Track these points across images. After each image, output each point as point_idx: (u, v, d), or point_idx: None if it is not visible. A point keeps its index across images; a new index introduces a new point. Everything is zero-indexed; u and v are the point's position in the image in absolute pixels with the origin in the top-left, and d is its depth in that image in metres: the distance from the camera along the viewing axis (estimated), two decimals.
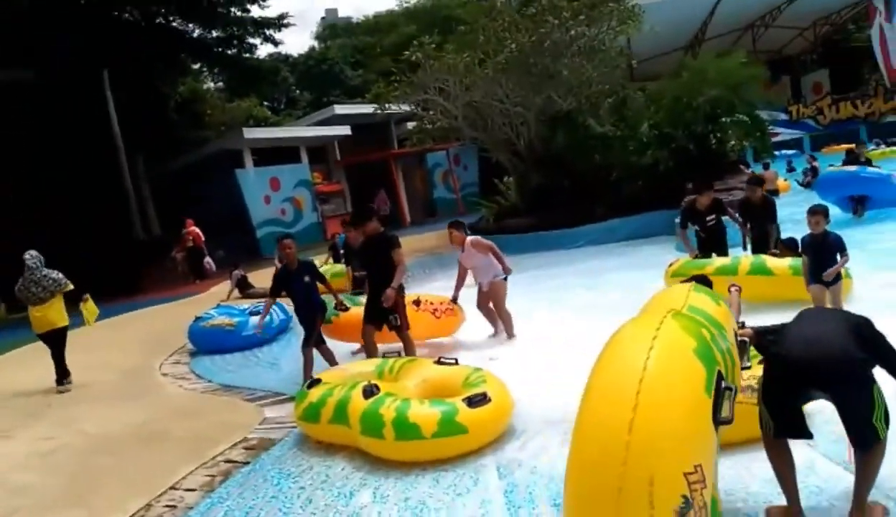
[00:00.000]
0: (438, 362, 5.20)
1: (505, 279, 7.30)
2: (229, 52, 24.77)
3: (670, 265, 7.84)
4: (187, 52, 25.08)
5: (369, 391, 4.69)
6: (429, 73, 13.95)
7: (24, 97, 17.99)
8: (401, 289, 6.43)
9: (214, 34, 24.44)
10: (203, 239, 20.10)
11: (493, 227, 15.49)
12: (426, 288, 9.61)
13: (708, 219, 7.80)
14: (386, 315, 6.37)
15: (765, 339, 3.08)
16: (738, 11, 24.80)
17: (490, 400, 4.44)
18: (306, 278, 6.69)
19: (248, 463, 4.92)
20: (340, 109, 29.29)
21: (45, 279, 7.92)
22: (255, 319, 9.23)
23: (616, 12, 13.35)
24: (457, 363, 5.15)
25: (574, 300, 8.97)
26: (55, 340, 8.07)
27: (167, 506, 4.41)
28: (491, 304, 7.43)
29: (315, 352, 6.73)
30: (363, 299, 7.42)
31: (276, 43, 25.65)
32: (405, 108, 17.88)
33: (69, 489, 4.93)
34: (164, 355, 9.58)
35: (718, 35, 26.08)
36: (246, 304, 10.94)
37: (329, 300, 7.13)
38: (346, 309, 7.38)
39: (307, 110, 45.03)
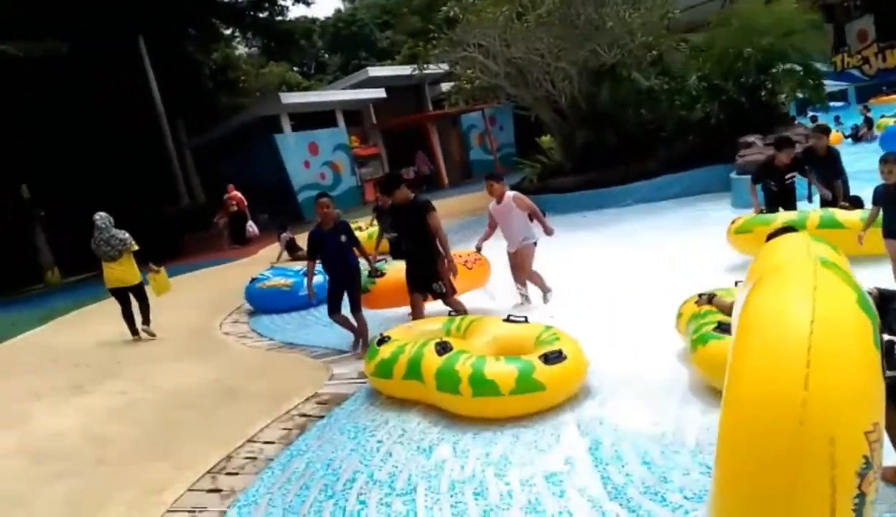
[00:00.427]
0: (507, 320, 5.18)
1: (535, 243, 6.97)
2: (261, 14, 24.58)
3: (733, 222, 7.59)
4: (220, 16, 24.96)
5: (442, 348, 4.70)
6: (467, 29, 13.66)
7: (61, 69, 18.20)
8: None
9: None
10: (246, 203, 20.28)
11: (537, 187, 15.29)
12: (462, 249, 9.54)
13: (787, 176, 7.60)
14: (430, 283, 6.29)
15: (891, 305, 2.84)
16: None
17: (566, 357, 4.42)
18: (342, 238, 6.43)
19: (322, 417, 5.02)
20: (374, 72, 29.09)
21: (113, 239, 8.38)
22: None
23: None
24: (526, 321, 5.13)
25: (628, 258, 8.83)
26: (124, 297, 8.53)
27: (247, 457, 4.54)
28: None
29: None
30: (397, 263, 7.32)
31: (307, 3, 25.40)
32: (443, 67, 17.65)
33: (150, 441, 5.10)
34: (223, 315, 9.80)
35: None
36: (299, 266, 11.04)
37: (363, 268, 6.93)
38: (382, 275, 7.13)
39: (337, 74, 44.79)
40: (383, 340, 5.28)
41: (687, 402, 4.19)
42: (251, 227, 19.94)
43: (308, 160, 25.79)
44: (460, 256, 7.44)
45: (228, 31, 28.70)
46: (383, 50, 43.26)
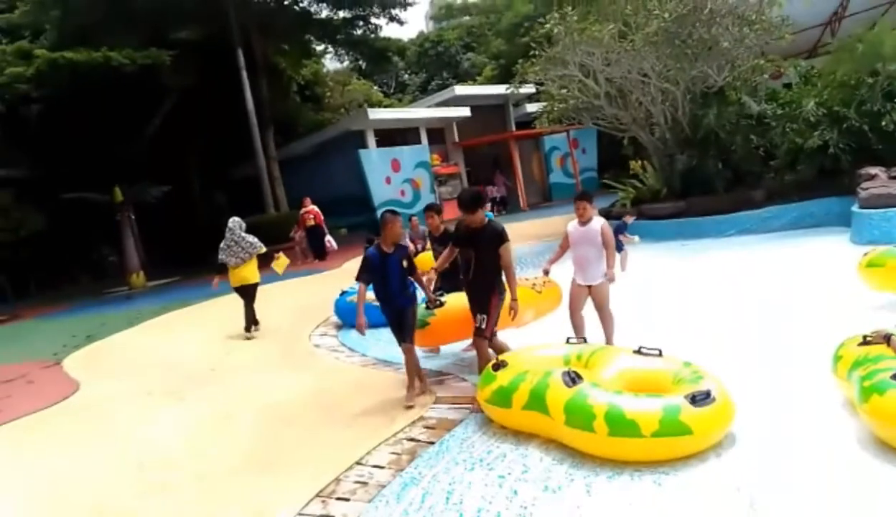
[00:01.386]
0: (638, 352, 4.72)
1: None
2: (356, 32, 24.99)
3: (866, 254, 6.88)
4: (314, 32, 25.52)
5: (572, 379, 4.29)
6: (569, 47, 13.28)
7: (166, 75, 18.91)
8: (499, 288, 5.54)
9: (341, 14, 24.72)
10: (322, 217, 20.24)
11: (631, 213, 14.67)
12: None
13: None
14: (475, 312, 5.57)
15: None
16: None
17: (714, 399, 3.94)
18: (404, 262, 5.70)
19: (432, 443, 4.68)
20: (461, 90, 29.05)
21: (244, 241, 9.35)
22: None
23: None
24: (660, 354, 4.65)
25: (740, 292, 8.15)
26: (246, 293, 9.58)
27: (357, 481, 4.25)
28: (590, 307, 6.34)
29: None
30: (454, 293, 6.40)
31: (401, 22, 25.67)
32: (529, 88, 17.25)
33: (251, 457, 4.88)
34: (310, 327, 9.65)
35: (862, 10, 23.61)
36: None
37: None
38: (441, 305, 6.20)
39: (416, 94, 45.25)
40: (499, 366, 4.90)
41: (858, 462, 3.63)
42: (329, 241, 19.96)
43: (389, 176, 25.90)
44: (527, 280, 7.12)
45: (321, 48, 29.27)
46: (464, 71, 43.42)
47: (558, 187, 31.84)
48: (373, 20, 24.85)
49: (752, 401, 4.46)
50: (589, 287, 6.18)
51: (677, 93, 13.54)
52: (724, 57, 12.62)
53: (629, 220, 11.05)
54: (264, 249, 9.60)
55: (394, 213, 5.72)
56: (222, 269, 9.49)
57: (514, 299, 5.42)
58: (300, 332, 9.34)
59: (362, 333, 5.75)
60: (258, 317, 9.66)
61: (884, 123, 11.35)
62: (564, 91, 15.52)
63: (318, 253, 19.50)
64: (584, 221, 6.16)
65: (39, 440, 5.67)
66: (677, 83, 13.43)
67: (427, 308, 6.17)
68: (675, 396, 4.01)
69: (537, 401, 4.37)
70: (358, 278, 5.62)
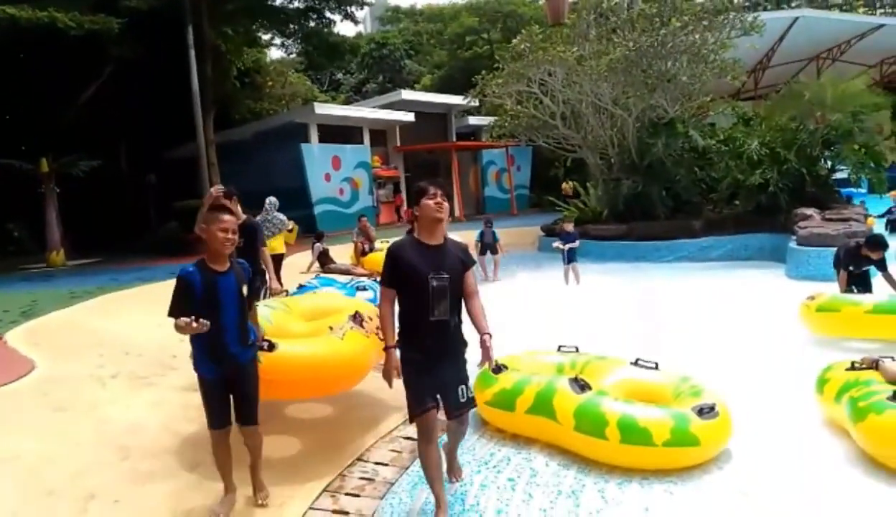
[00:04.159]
0: (636, 364, 4.88)
1: None
2: (311, 24, 24.55)
3: (812, 297, 7.17)
4: (266, 19, 24.89)
5: (581, 386, 4.39)
6: (533, 64, 13.59)
7: (110, 44, 17.96)
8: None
9: (295, 4, 24.25)
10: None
11: (569, 220, 15.11)
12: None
13: (865, 268, 7.49)
14: (457, 384, 3.61)
15: None
16: (808, 42, 24.21)
17: (718, 412, 4.13)
18: (243, 289, 3.87)
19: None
20: (407, 95, 29.14)
21: (275, 218, 10.62)
22: (362, 294, 9.06)
23: (739, 21, 12.92)
24: (657, 367, 4.83)
25: (684, 317, 8.50)
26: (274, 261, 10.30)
27: (362, 478, 4.19)
28: None
29: None
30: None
31: (355, 21, 25.43)
32: (479, 100, 17.58)
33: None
34: None
35: (784, 63, 25.50)
36: (345, 279, 10.70)
37: None
38: (271, 349, 4.22)
39: (350, 94, 44.97)
40: (500, 369, 4.93)
41: (849, 477, 3.91)
42: None
43: (329, 173, 25.60)
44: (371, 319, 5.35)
45: (267, 36, 28.57)
46: (401, 77, 43.51)
47: (492, 201, 32.39)
48: (327, 14, 24.46)
49: (739, 418, 4.71)
50: None
51: (629, 120, 14.09)
52: (680, 91, 13.25)
53: (568, 227, 11.42)
54: (291, 225, 11.38)
55: (220, 207, 3.64)
56: None
57: (488, 346, 3.48)
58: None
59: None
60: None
61: (818, 168, 12.23)
62: (519, 107, 15.84)
63: None
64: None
65: (6, 421, 5.27)
66: (629, 111, 13.98)
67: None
68: (682, 408, 4.17)
69: (543, 406, 4.42)
70: (170, 313, 3.39)
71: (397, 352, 3.42)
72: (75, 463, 4.42)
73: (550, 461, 4.30)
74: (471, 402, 3.64)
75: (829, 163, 12.77)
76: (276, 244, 10.92)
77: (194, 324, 3.24)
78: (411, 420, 3.49)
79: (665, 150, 13.64)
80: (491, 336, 3.48)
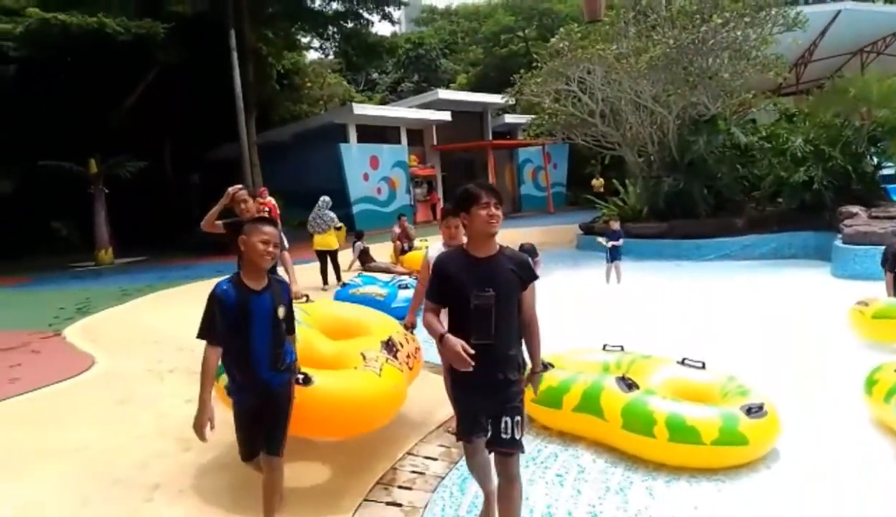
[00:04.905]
0: (682, 363, 4.91)
1: None
2: (349, 25, 24.87)
3: (864, 303, 6.70)
4: (305, 22, 25.30)
5: (628, 385, 4.45)
6: (572, 63, 13.59)
7: (156, 48, 18.48)
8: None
9: (334, 6, 24.59)
10: (279, 212, 19.16)
11: (615, 219, 15.05)
12: None
13: None
14: (506, 413, 3.06)
15: None
16: (851, 35, 23.58)
17: (766, 412, 4.15)
18: (280, 311, 3.54)
19: None
20: (444, 94, 29.30)
21: (326, 215, 12.04)
22: (403, 293, 9.24)
23: (781, 17, 12.73)
24: (703, 366, 4.85)
25: (722, 317, 8.45)
26: (324, 258, 12.18)
27: (413, 472, 4.30)
28: None
29: None
30: None
31: (393, 21, 25.69)
32: (516, 98, 17.62)
33: (299, 441, 4.84)
34: None
35: (826, 57, 24.90)
36: (387, 277, 10.90)
37: None
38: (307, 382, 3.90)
39: (385, 94, 45.29)
40: (546, 367, 5.00)
41: None
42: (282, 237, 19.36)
43: (367, 173, 25.91)
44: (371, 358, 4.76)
45: (306, 39, 29.02)
46: (436, 76, 43.69)
47: (528, 199, 32.34)
48: (365, 15, 24.75)
49: (787, 418, 4.71)
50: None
51: (669, 117, 13.98)
52: (721, 87, 13.11)
53: (614, 225, 11.37)
54: (341, 225, 12.59)
55: (261, 219, 3.54)
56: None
57: (536, 373, 3.26)
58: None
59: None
60: (339, 276, 12.02)
61: (864, 166, 11.99)
62: (557, 105, 15.84)
63: None
64: (454, 243, 4.22)
65: (73, 412, 5.54)
66: (670, 108, 13.88)
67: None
68: (731, 407, 4.20)
69: (591, 404, 4.49)
70: (200, 335, 3.23)
71: (451, 337, 2.90)
72: (139, 453, 4.63)
73: (598, 458, 4.37)
74: (515, 444, 3.01)
75: (876, 159, 12.52)
76: (329, 240, 12.15)
77: (205, 430, 3.23)
78: (460, 440, 3.20)
79: (706, 148, 13.50)
80: (541, 375, 3.24)
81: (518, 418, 3.02)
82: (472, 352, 2.82)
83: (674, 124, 14.14)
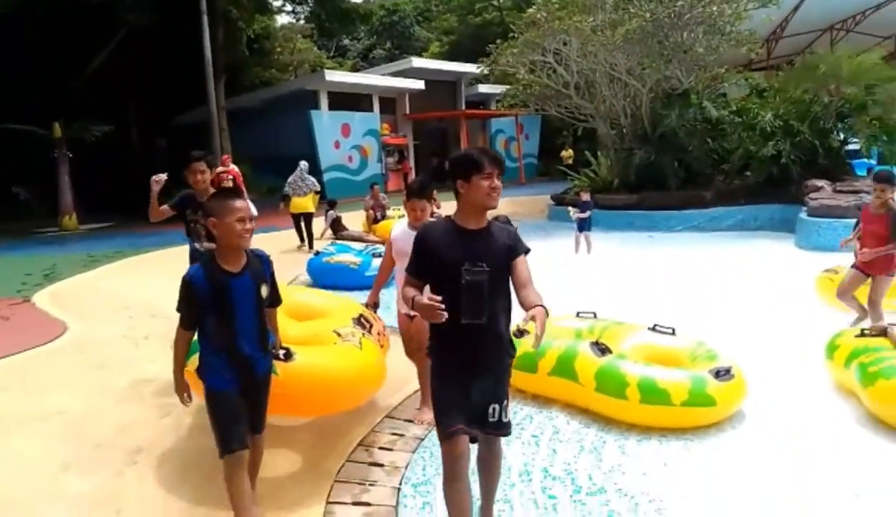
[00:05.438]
0: (653, 329, 5.07)
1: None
2: None
3: (833, 271, 6.94)
4: None
5: (601, 350, 4.59)
6: (549, 34, 13.57)
7: (124, 10, 17.96)
8: None
9: None
10: (242, 179, 18.31)
11: (586, 191, 15.21)
12: None
13: None
14: (494, 400, 2.93)
15: None
16: (822, 12, 23.80)
17: (734, 375, 4.32)
18: (263, 290, 3.30)
19: None
20: (418, 63, 28.99)
21: (307, 179, 12.62)
22: (377, 261, 9.27)
23: None
24: (674, 332, 5.01)
25: (691, 286, 8.66)
26: (300, 219, 12.70)
27: (393, 433, 4.38)
28: None
29: None
30: None
31: None
32: (489, 69, 17.58)
33: None
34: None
35: (798, 33, 25.16)
36: (360, 245, 10.90)
37: None
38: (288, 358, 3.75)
39: (357, 61, 44.66)
40: (522, 333, 5.11)
41: (859, 437, 4.11)
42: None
43: (339, 140, 25.63)
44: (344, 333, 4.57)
45: (278, 3, 28.39)
46: (409, 44, 43.16)
47: None
48: None
49: (753, 381, 4.91)
50: (411, 318, 4.32)
51: (643, 90, 14.10)
52: (695, 62, 13.24)
53: (584, 196, 11.54)
54: (318, 188, 12.99)
55: (227, 192, 3.29)
56: (286, 199, 12.90)
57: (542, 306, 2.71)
58: None
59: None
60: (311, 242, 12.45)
61: (830, 140, 12.28)
62: (532, 76, 15.84)
63: None
64: (419, 225, 3.86)
65: (49, 378, 5.52)
66: (644, 81, 13.99)
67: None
68: (699, 371, 4.36)
69: (565, 368, 4.62)
70: (182, 323, 3.10)
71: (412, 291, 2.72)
72: (119, 418, 4.65)
73: (571, 419, 4.51)
74: (502, 426, 2.91)
75: (842, 135, 12.83)
76: (307, 203, 12.53)
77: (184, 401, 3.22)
78: (440, 440, 2.87)
79: (678, 121, 13.68)
80: (545, 309, 2.67)
81: (505, 402, 2.90)
82: (443, 305, 2.52)
83: (647, 97, 14.27)
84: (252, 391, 3.15)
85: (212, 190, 4.75)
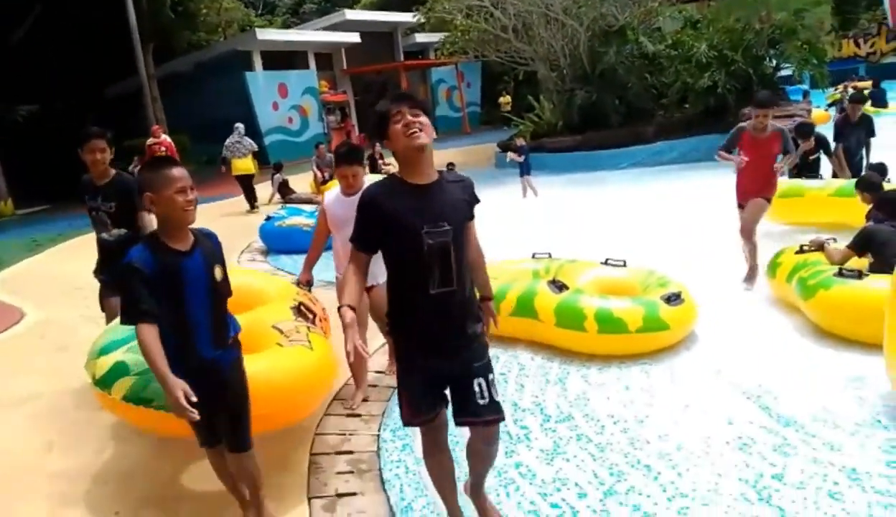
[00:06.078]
0: (605, 263, 5.29)
1: None
2: None
3: None
4: None
5: (559, 287, 4.77)
6: None
7: None
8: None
9: None
10: (175, 149, 17.01)
11: (531, 146, 15.39)
12: None
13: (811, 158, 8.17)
14: (478, 373, 2.59)
15: None
16: None
17: (683, 300, 4.57)
18: (217, 273, 2.84)
19: None
20: (351, 15, 28.23)
21: (245, 140, 12.70)
22: None
23: None
24: (625, 264, 5.24)
25: (639, 220, 8.99)
26: (245, 181, 12.84)
27: (368, 384, 4.49)
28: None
29: None
30: None
31: None
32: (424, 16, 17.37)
33: None
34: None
35: None
36: (312, 207, 10.82)
37: None
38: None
39: (287, 17, 43.15)
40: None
41: (802, 345, 4.44)
42: None
43: (277, 102, 25.02)
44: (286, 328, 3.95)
45: None
46: None
47: (444, 121, 31.97)
48: None
49: (702, 304, 5.19)
50: (369, 289, 4.03)
51: (580, 29, 14.17)
52: None
53: (519, 142, 11.87)
54: (255, 148, 13.21)
55: (161, 161, 2.75)
56: (226, 162, 13.04)
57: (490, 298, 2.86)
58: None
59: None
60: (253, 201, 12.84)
61: (763, 67, 12.63)
62: (469, 21, 15.71)
63: None
64: (353, 192, 3.90)
65: (15, 364, 5.44)
66: (580, 20, 14.05)
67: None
68: (652, 298, 4.60)
69: (525, 308, 4.80)
70: (128, 320, 2.48)
71: (351, 314, 2.29)
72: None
73: (535, 356, 4.72)
74: (495, 407, 2.51)
75: (775, 61, 13.19)
76: (249, 164, 12.61)
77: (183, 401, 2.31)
78: (409, 425, 2.61)
79: (616, 58, 13.85)
80: (492, 300, 2.79)
81: (491, 376, 2.51)
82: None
83: (584, 36, 14.36)
84: (218, 396, 2.66)
85: (118, 171, 4.36)
